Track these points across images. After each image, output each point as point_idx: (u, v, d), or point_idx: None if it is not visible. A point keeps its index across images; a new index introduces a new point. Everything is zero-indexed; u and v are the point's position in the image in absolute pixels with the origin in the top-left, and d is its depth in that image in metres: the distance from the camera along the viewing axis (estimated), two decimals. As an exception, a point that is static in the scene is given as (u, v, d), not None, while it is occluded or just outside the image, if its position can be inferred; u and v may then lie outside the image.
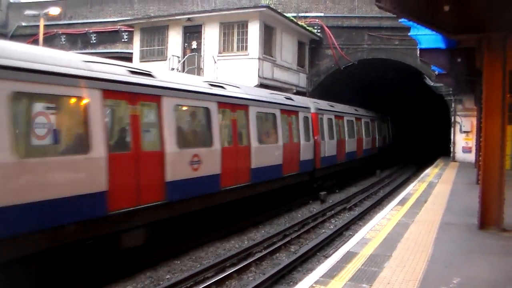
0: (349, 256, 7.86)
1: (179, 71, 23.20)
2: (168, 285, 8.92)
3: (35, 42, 26.02)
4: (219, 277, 9.51)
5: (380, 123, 35.60)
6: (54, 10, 26.43)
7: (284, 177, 17.13)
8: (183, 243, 11.92)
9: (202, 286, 9.01)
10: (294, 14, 27.94)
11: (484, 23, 9.66)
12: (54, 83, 8.24)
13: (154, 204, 10.30)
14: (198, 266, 10.46)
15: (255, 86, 19.05)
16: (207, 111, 12.72)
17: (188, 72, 23.03)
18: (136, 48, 26.67)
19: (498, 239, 9.20)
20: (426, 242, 8.82)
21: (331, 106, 23.76)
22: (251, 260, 10.78)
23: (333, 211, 17.19)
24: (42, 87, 8.12)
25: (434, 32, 12.07)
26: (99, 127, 8.98)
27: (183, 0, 30.65)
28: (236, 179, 13.74)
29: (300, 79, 28.45)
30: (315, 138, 20.38)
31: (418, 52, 16.26)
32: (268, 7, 23.54)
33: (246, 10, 23.50)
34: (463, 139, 28.39)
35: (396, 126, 44.29)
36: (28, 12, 26.81)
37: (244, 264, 10.46)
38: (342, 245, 9.79)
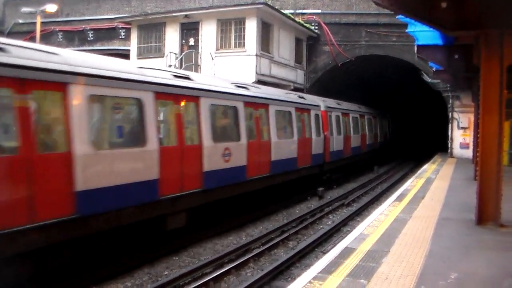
0: (347, 252, 7.88)
1: (177, 68, 23.19)
2: (167, 281, 8.93)
3: (32, 39, 25.93)
4: (218, 273, 9.53)
5: (381, 119, 37.14)
6: (51, 7, 26.27)
7: (299, 169, 18.69)
8: (181, 239, 11.94)
9: (200, 282, 9.02)
10: (292, 11, 27.95)
11: (481, 19, 9.67)
12: (118, 87, 9.71)
13: (194, 191, 11.77)
14: (197, 262, 10.48)
15: (252, 83, 19.22)
16: (235, 109, 14.23)
17: (185, 69, 23.00)
18: (133, 45, 26.65)
19: (495, 234, 9.23)
20: (424, 238, 8.84)
21: (338, 104, 25.17)
22: (249, 256, 10.80)
23: (331, 207, 17.23)
24: (109, 90, 9.58)
25: (431, 29, 12.08)
26: (152, 124, 10.40)
27: (180, -3, 30.66)
28: (258, 170, 15.22)
29: (298, 76, 28.46)
30: (325, 133, 21.89)
31: (416, 49, 16.29)
32: (265, 4, 23.53)
33: (244, 7, 23.47)
34: (461, 135, 28.42)
35: (395, 123, 44.50)
36: (25, 9, 26.68)
37: (242, 260, 10.47)
38: (340, 241, 9.80)
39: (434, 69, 20.75)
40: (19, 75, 7.64)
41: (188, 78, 12.27)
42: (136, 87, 10.11)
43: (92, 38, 31.69)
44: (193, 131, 12.27)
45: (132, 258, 10.31)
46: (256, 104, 15.52)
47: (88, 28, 31.70)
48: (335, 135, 23.44)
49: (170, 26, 25.52)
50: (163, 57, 24.96)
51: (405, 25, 15.89)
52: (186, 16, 24.68)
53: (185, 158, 11.44)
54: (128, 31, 28.55)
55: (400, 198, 13.60)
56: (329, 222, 15.03)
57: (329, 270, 6.92)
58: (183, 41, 25.32)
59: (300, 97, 20.31)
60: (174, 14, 25.33)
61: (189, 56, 24.60)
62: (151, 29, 26.14)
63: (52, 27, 32.03)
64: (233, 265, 10.10)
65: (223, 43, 24.28)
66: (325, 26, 28.55)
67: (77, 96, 8.65)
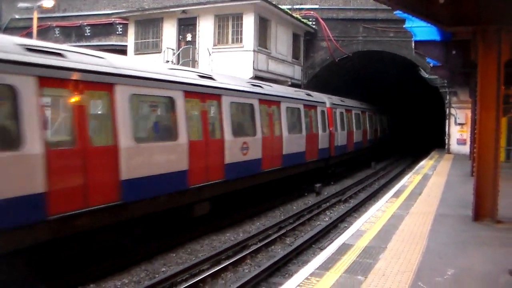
0: (344, 248, 7.88)
1: (174, 64, 23.14)
2: (164, 277, 8.93)
3: (29, 35, 25.84)
4: (215, 270, 9.53)
5: (381, 115, 38.15)
6: (48, 3, 26.06)
7: (307, 163, 19.87)
8: (178, 236, 11.94)
9: (198, 279, 9.02)
10: (289, 6, 27.88)
11: (479, 15, 9.66)
12: (154, 87, 10.83)
13: (217, 181, 12.88)
14: (194, 258, 10.48)
15: (250, 79, 19.30)
16: (251, 106, 15.33)
17: (182, 64, 22.95)
18: (130, 40, 26.55)
19: (492, 230, 9.25)
20: (421, 234, 8.85)
21: (341, 101, 26.26)
22: (247, 252, 10.81)
23: (328, 203, 17.24)
24: (147, 90, 10.72)
25: (429, 24, 12.06)
26: (183, 119, 11.48)
27: (177, -8, 30.53)
28: (272, 163, 16.32)
29: (295, 71, 28.42)
30: (330, 129, 23.07)
31: (413, 44, 16.23)
32: (263, -1, 23.45)
33: (241, 2, 23.33)
34: (458, 131, 28.47)
35: (393, 118, 44.61)
36: (21, 4, 26.57)
37: (239, 256, 10.48)
38: (337, 237, 9.81)
39: (431, 65, 20.72)
40: (74, 77, 8.71)
41: (211, 78, 13.42)
42: (168, 87, 11.24)
43: (89, 34, 31.56)
44: (216, 127, 13.40)
45: (129, 255, 10.30)
46: (269, 102, 16.64)
47: (85, 23, 31.53)
48: (339, 131, 24.56)
49: (168, 22, 25.43)
50: (160, 52, 24.89)
51: (402, 21, 15.84)
52: (183, 11, 24.60)
53: (210, 151, 12.65)
54: (125, 26, 28.45)
55: (397, 194, 13.62)
56: (326, 218, 15.04)
57: (326, 266, 6.92)
58: (180, 36, 25.25)
59: (307, 94, 21.41)
60: (171, 10, 25.26)
61: (187, 52, 24.54)
62: (149, 25, 26.04)
63: (49, 23, 31.85)
64: (230, 261, 10.10)
65: (220, 39, 24.20)
66: (322, 22, 28.50)
67: (121, 95, 9.66)
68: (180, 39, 25.18)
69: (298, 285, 6.20)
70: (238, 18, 23.68)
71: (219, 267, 9.70)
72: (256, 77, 22.23)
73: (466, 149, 26.31)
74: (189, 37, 24.88)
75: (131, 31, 26.48)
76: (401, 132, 49.09)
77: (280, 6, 25.63)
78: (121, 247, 10.39)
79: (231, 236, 12.55)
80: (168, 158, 11.03)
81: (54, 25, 32.02)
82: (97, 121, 10.13)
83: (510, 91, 17.75)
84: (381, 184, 22.31)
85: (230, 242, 11.75)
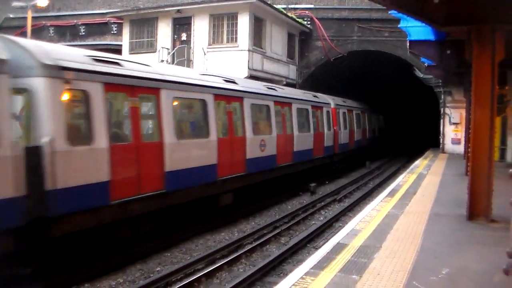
0: (339, 248, 7.89)
1: (169, 63, 23.11)
2: (159, 277, 8.91)
3: (23, 34, 25.75)
4: (210, 269, 9.52)
5: (378, 115, 40.23)
6: (42, 2, 25.93)
7: (314, 159, 21.70)
8: (173, 235, 11.92)
9: (193, 278, 9.01)
10: (284, 6, 27.88)
11: (473, 15, 9.69)
12: (191, 91, 12.60)
13: (239, 174, 14.59)
14: (189, 258, 10.46)
15: (245, 78, 19.38)
16: (268, 107, 17.07)
17: (177, 64, 22.93)
18: (125, 40, 26.49)
19: (486, 229, 9.28)
20: (416, 233, 8.87)
21: (344, 101, 28.00)
22: (242, 252, 10.81)
23: (323, 203, 17.25)
24: (185, 93, 12.48)
25: (423, 24, 12.07)
26: (213, 119, 13.20)
27: (172, -9, 30.46)
28: (285, 159, 18.12)
29: (290, 71, 28.43)
30: (334, 128, 24.89)
31: (408, 44, 16.29)
32: (258, -2, 23.43)
33: (236, 2, 23.31)
34: (452, 131, 28.52)
35: (388, 118, 44.82)
36: (15, 3, 26.34)
37: (234, 256, 10.48)
38: (332, 237, 9.81)
39: (426, 64, 20.77)
40: (130, 83, 10.25)
41: (234, 82, 15.11)
42: (202, 91, 12.97)
43: (83, 33, 31.47)
44: (239, 125, 15.02)
45: (124, 254, 10.28)
46: (282, 103, 18.35)
47: (79, 23, 31.44)
48: (342, 130, 26.46)
49: (162, 21, 25.38)
50: (155, 52, 24.84)
51: (397, 20, 15.85)
52: (178, 11, 24.56)
53: (234, 147, 14.33)
54: (120, 26, 28.36)
55: (392, 194, 13.64)
56: (321, 218, 15.05)
57: (321, 265, 6.92)
58: (175, 36, 25.21)
59: (314, 96, 23.10)
60: (166, 9, 25.21)
61: (181, 51, 24.50)
62: (143, 24, 25.99)
63: (43, 22, 31.76)
64: (225, 261, 10.09)
65: (215, 38, 24.18)
66: (317, 21, 28.52)
67: (166, 98, 11.27)
68: (175, 39, 25.14)
69: (293, 285, 6.20)
70: (233, 18, 23.66)
71: (214, 267, 9.69)
72: (251, 77, 22.25)
73: (460, 148, 26.38)
74: (184, 36, 24.85)
75: (126, 31, 26.42)
76: (396, 132, 49.21)
77: (275, 6, 25.65)
78: (117, 246, 10.37)
79: (226, 236, 12.54)
80: (202, 153, 12.76)
81: (49, 24, 31.92)
82: (146, 120, 11.59)
83: (504, 91, 17.81)
84: (376, 184, 22.33)
85: (225, 242, 11.73)
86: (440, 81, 26.56)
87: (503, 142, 21.75)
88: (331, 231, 13.21)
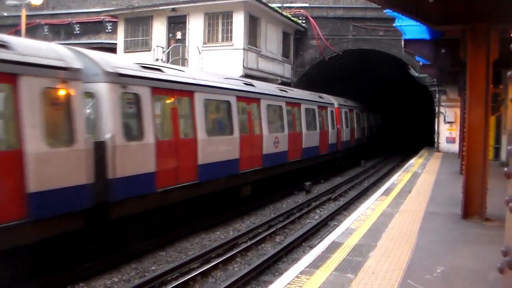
0: (334, 246, 7.88)
1: (164, 62, 23.05)
2: (154, 276, 8.89)
3: (17, 33, 25.61)
4: (205, 268, 9.52)
5: (375, 114, 41.59)
6: (36, 0, 25.82)
7: (320, 155, 23.49)
8: (168, 234, 11.90)
9: (188, 277, 9.00)
10: (279, 5, 27.85)
11: (468, 14, 9.70)
12: (218, 93, 14.18)
13: (257, 168, 16.18)
14: (184, 257, 10.45)
15: (240, 77, 19.40)
16: (280, 108, 18.75)
17: (172, 62, 22.87)
18: (120, 38, 26.44)
19: (481, 228, 9.30)
20: (411, 232, 8.88)
21: (345, 101, 29.55)
22: (237, 251, 10.81)
23: (318, 202, 17.26)
24: (214, 95, 13.95)
25: (418, 23, 12.09)
26: (236, 118, 14.80)
27: (167, -10, 30.38)
28: (295, 155, 19.78)
29: (285, 70, 28.43)
30: (338, 126, 26.64)
31: (403, 43, 16.31)
32: (253, -3, 23.41)
33: (231, 1, 23.29)
34: (447, 130, 28.58)
35: (384, 117, 45.01)
36: (9, 1, 26.18)
37: (229, 255, 10.48)
38: (327, 235, 9.80)
39: (421, 63, 20.82)
40: (170, 87, 11.86)
41: (251, 85, 16.80)
42: (227, 93, 14.60)
43: (78, 32, 31.34)
44: (256, 124, 16.51)
45: (119, 253, 10.26)
46: (293, 104, 20.00)
47: (74, 21, 31.29)
48: (345, 128, 28.15)
49: (157, 20, 25.35)
50: (150, 51, 24.80)
51: (392, 19, 15.90)
52: (173, 9, 24.53)
53: (253, 144, 15.92)
54: (115, 24, 28.27)
55: (387, 193, 13.65)
56: (316, 217, 15.06)
57: (316, 264, 6.92)
58: (170, 34, 25.17)
59: (319, 96, 24.66)
60: (161, 8, 25.16)
61: (176, 50, 24.47)
62: (138, 23, 25.94)
63: (38, 20, 31.61)
64: (220, 260, 10.09)
65: (210, 37, 24.17)
66: (312, 20, 28.52)
67: (198, 100, 12.81)
68: (170, 37, 25.11)
69: (288, 283, 6.19)
70: (228, 16, 23.65)
71: (209, 266, 9.69)
72: (246, 76, 22.23)
73: (455, 147, 26.42)
74: (179, 35, 24.81)
75: (121, 29, 26.37)
76: (391, 130, 49.32)
77: (270, 5, 25.61)
78: (112, 245, 10.34)
79: (221, 235, 12.54)
80: (227, 148, 14.24)
81: (43, 22, 31.77)
82: (183, 119, 12.71)
83: (499, 90, 17.85)
84: (371, 182, 22.35)
85: (220, 241, 11.73)
86: (435, 80, 26.63)
87: (498, 141, 21.78)
88: (326, 230, 13.22)
